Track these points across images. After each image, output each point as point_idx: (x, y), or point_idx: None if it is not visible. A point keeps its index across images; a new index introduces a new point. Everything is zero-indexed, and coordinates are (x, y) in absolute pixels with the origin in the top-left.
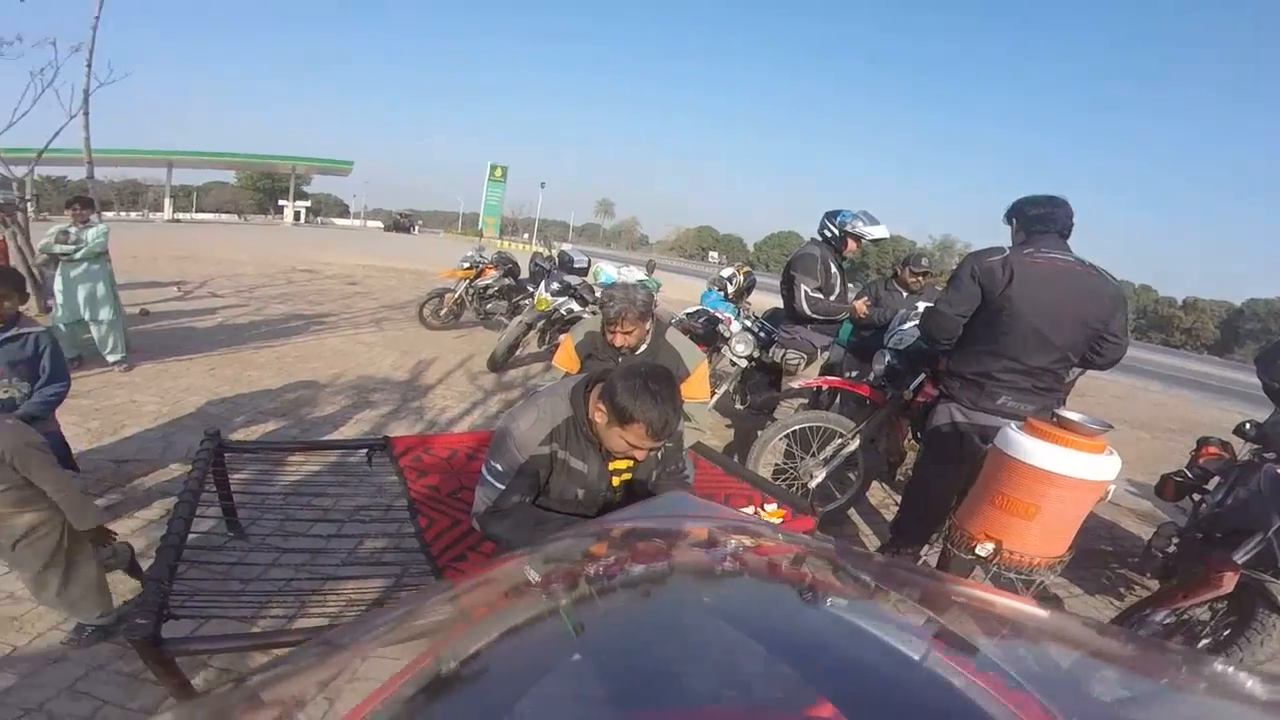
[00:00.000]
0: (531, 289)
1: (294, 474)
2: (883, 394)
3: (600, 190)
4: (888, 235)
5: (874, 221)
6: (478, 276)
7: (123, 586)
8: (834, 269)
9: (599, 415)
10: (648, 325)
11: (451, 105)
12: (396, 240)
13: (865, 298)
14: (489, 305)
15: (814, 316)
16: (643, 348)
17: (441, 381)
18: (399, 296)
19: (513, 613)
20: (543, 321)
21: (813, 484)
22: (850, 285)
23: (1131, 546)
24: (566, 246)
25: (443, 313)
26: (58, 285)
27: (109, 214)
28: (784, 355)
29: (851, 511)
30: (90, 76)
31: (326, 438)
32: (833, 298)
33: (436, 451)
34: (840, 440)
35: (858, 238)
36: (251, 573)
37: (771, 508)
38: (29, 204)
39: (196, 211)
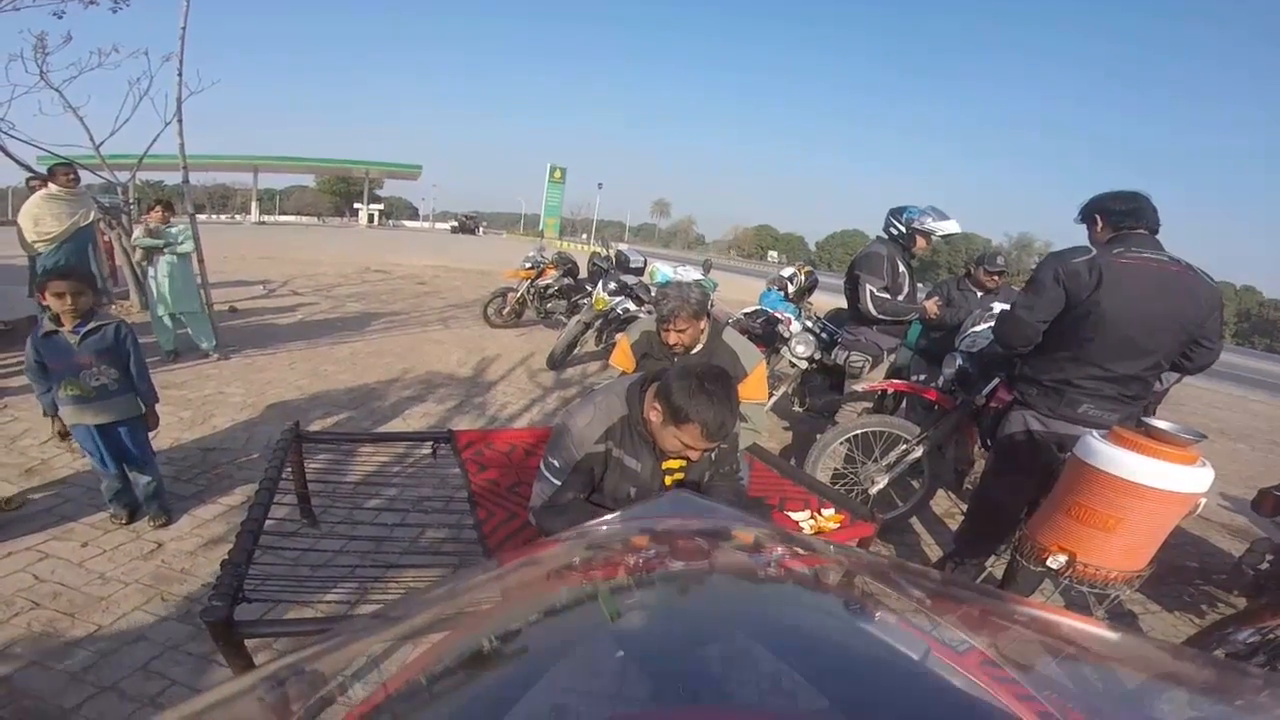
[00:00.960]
0: (590, 288)
1: (364, 464)
2: (952, 399)
3: (657, 190)
4: (958, 230)
5: (943, 216)
6: (538, 276)
7: (204, 570)
8: (902, 268)
9: (654, 414)
10: (703, 324)
11: (515, 110)
12: (462, 241)
13: (936, 298)
14: (549, 304)
15: (880, 317)
16: (698, 347)
17: (503, 378)
18: (465, 296)
19: (538, 602)
20: (600, 321)
21: (874, 490)
22: (920, 285)
23: (1219, 563)
24: (623, 246)
25: (505, 311)
26: (151, 283)
27: (201, 216)
28: (847, 357)
29: (914, 520)
30: (181, 85)
31: (395, 430)
32: (900, 298)
33: (497, 446)
34: (905, 446)
35: (927, 234)
36: (320, 559)
37: (829, 513)
38: (133, 207)
39: (280, 214)
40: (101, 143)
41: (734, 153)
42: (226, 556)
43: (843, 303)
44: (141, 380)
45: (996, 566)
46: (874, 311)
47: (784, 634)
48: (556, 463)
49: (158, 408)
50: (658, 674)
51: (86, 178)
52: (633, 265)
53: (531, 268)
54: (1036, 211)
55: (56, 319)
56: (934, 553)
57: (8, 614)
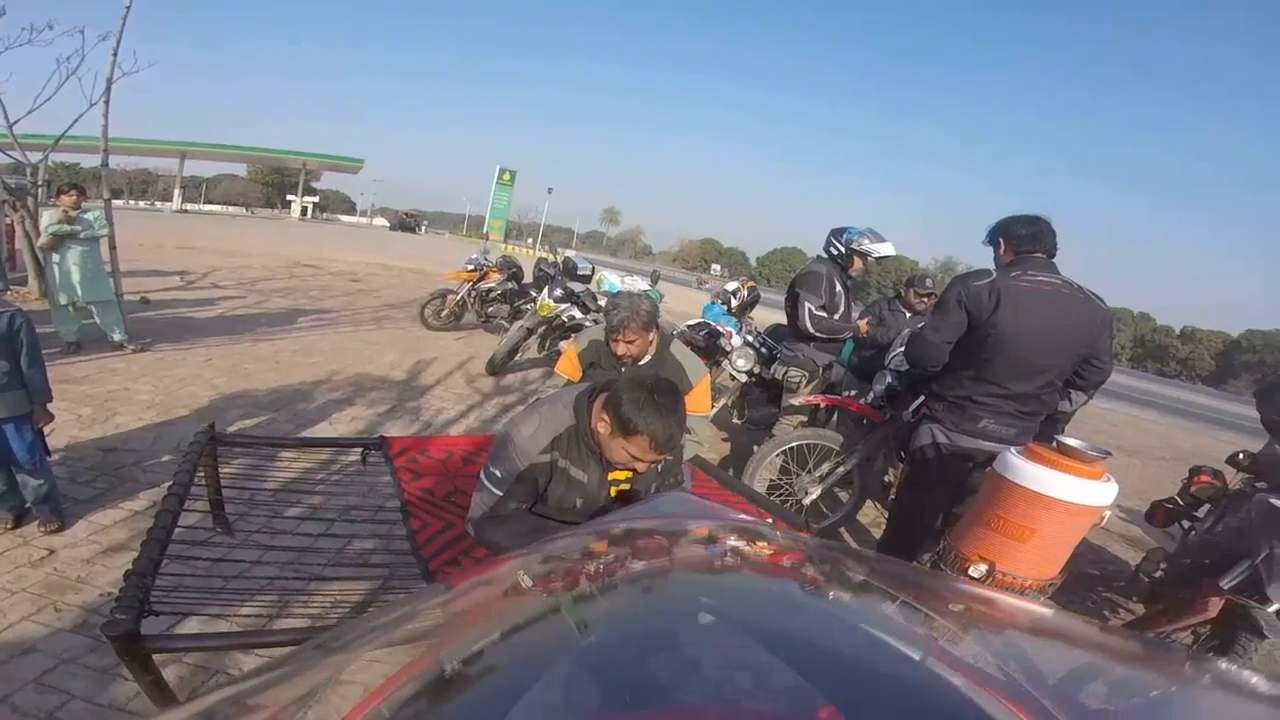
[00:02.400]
0: (534, 294)
1: (285, 470)
2: (881, 414)
3: (607, 198)
4: (894, 253)
5: (880, 239)
6: (481, 279)
7: (103, 579)
8: (839, 287)
9: (602, 425)
10: (652, 336)
11: (463, 109)
12: (401, 239)
13: (869, 317)
14: (491, 308)
15: (817, 335)
16: (646, 358)
17: (440, 383)
18: (401, 295)
19: (512, 612)
20: (544, 327)
21: (807, 500)
22: (854, 304)
23: (1118, 571)
24: (571, 253)
25: (444, 314)
26: (54, 269)
27: (117, 202)
28: (785, 372)
29: (842, 530)
30: (115, 65)
31: (321, 435)
32: (837, 316)
33: (433, 454)
34: (837, 458)
35: (864, 255)
36: (235, 569)
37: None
38: (40, 189)
39: (205, 203)
40: (16, 121)
41: (685, 165)
42: (130, 566)
43: (781, 318)
44: (35, 375)
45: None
46: (811, 329)
47: (751, 625)
48: (498, 472)
49: (51, 406)
50: (626, 679)
51: None
52: (580, 272)
53: (474, 270)
54: (961, 236)
55: None
56: None
57: None
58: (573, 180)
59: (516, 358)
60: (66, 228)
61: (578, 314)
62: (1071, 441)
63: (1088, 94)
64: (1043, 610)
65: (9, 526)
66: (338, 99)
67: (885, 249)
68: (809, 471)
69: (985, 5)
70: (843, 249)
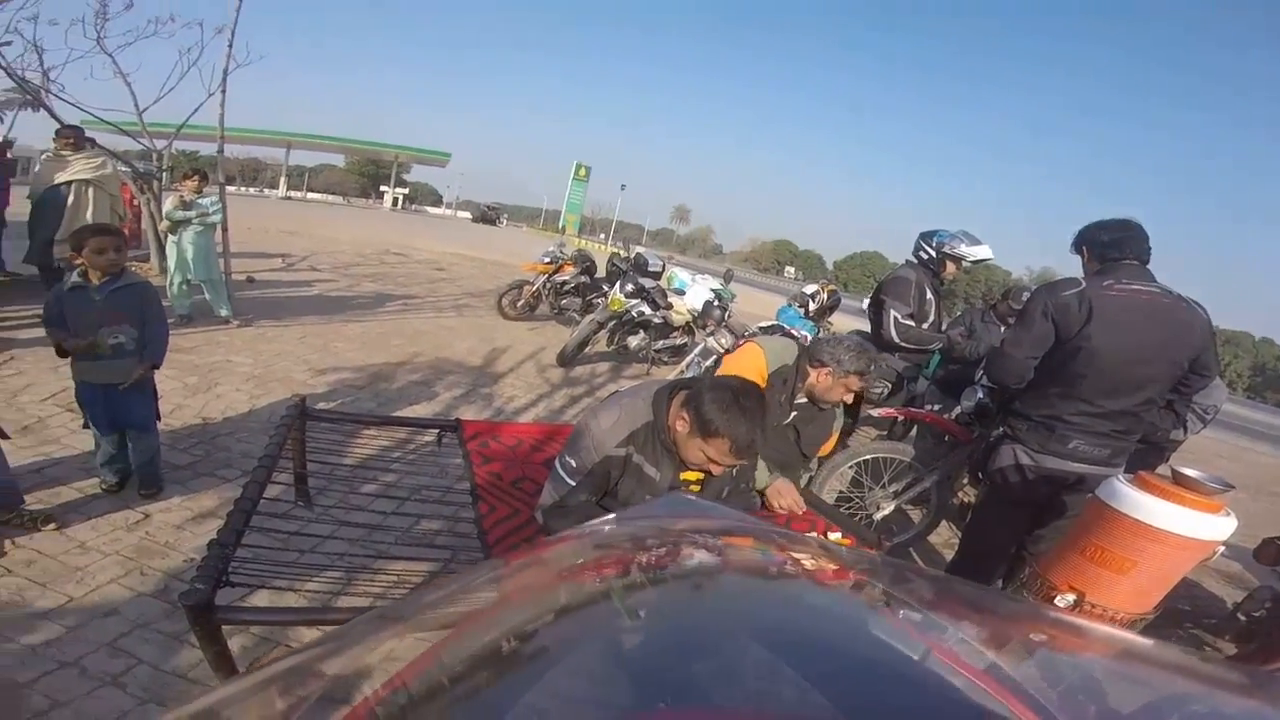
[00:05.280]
0: (606, 288)
1: (364, 447)
2: (969, 432)
3: (678, 196)
4: (991, 256)
5: (976, 241)
6: (556, 272)
7: (188, 546)
8: (929, 294)
9: (681, 424)
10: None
11: (543, 105)
12: (482, 231)
13: (960, 329)
14: (564, 301)
15: (903, 344)
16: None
17: (512, 371)
18: (480, 285)
19: (555, 599)
20: (614, 322)
21: (878, 515)
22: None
23: (1211, 608)
24: (642, 249)
25: (520, 304)
26: (173, 248)
27: (230, 188)
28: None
29: (911, 549)
30: (230, 58)
31: (399, 414)
32: (925, 325)
33: (503, 439)
34: (915, 475)
35: (957, 259)
36: (309, 543)
37: (835, 536)
38: (165, 174)
39: (308, 191)
40: (145, 109)
41: (758, 166)
42: (215, 536)
43: (860, 324)
44: (156, 341)
45: None
46: (897, 338)
47: (795, 635)
48: (573, 462)
49: (159, 374)
50: (666, 675)
51: (125, 143)
52: (651, 269)
53: (550, 262)
54: (1060, 247)
55: (85, 274)
56: None
57: None
58: (645, 178)
59: (586, 350)
60: (181, 213)
61: (647, 310)
62: (1190, 471)
63: (1215, 88)
64: (1136, 641)
65: (113, 489)
66: (429, 94)
67: (981, 252)
68: (882, 486)
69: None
70: (934, 253)
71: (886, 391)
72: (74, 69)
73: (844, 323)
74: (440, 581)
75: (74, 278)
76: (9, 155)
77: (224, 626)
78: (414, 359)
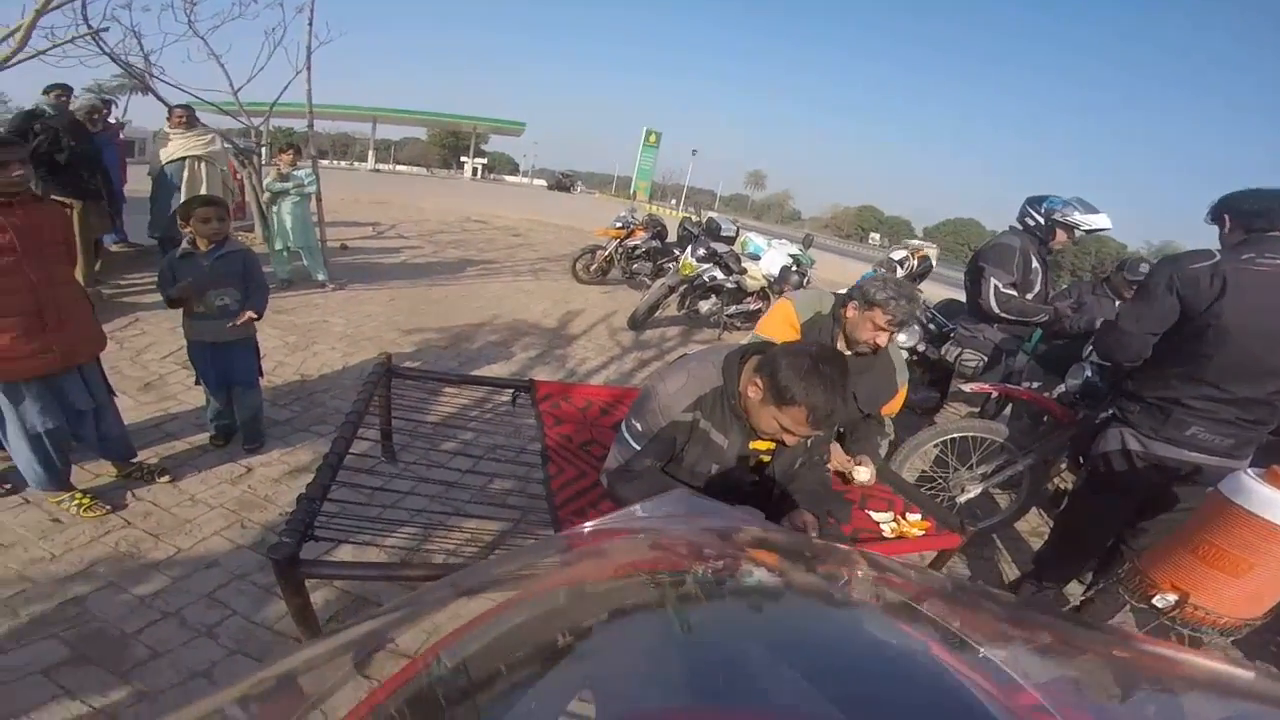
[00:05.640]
0: (677, 253)
1: (445, 405)
2: (1072, 413)
3: (752, 162)
4: (1108, 226)
5: (1092, 209)
6: (627, 236)
7: (285, 499)
8: (1035, 264)
9: (753, 390)
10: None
11: (614, 72)
12: (557, 198)
13: (1069, 301)
14: (635, 265)
15: (1003, 315)
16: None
17: (585, 333)
18: (556, 250)
19: (602, 600)
20: (685, 286)
21: (962, 498)
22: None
23: None
24: (715, 214)
25: (593, 268)
26: (273, 218)
27: (323, 162)
28: (959, 354)
29: (993, 535)
30: (311, 35)
31: (478, 374)
32: (1030, 297)
33: (574, 400)
34: (1007, 456)
35: (1070, 227)
36: (390, 499)
37: (914, 518)
38: (263, 150)
39: (394, 163)
40: (239, 89)
41: (838, 132)
42: (304, 490)
43: (952, 294)
44: (258, 299)
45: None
46: (996, 309)
47: (843, 657)
48: (639, 426)
49: (262, 335)
50: (710, 685)
51: (225, 122)
52: (724, 233)
53: (621, 227)
54: (1183, 220)
55: (193, 242)
56: (1011, 572)
57: (101, 531)
58: (717, 143)
59: (656, 314)
60: (280, 185)
61: (719, 275)
62: None
63: None
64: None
65: (221, 444)
66: (503, 62)
67: (1098, 221)
68: (969, 467)
69: None
70: (1042, 219)
71: (981, 366)
72: (172, 53)
73: (936, 292)
74: (509, 546)
75: (184, 245)
76: (122, 136)
77: (309, 581)
78: (493, 321)
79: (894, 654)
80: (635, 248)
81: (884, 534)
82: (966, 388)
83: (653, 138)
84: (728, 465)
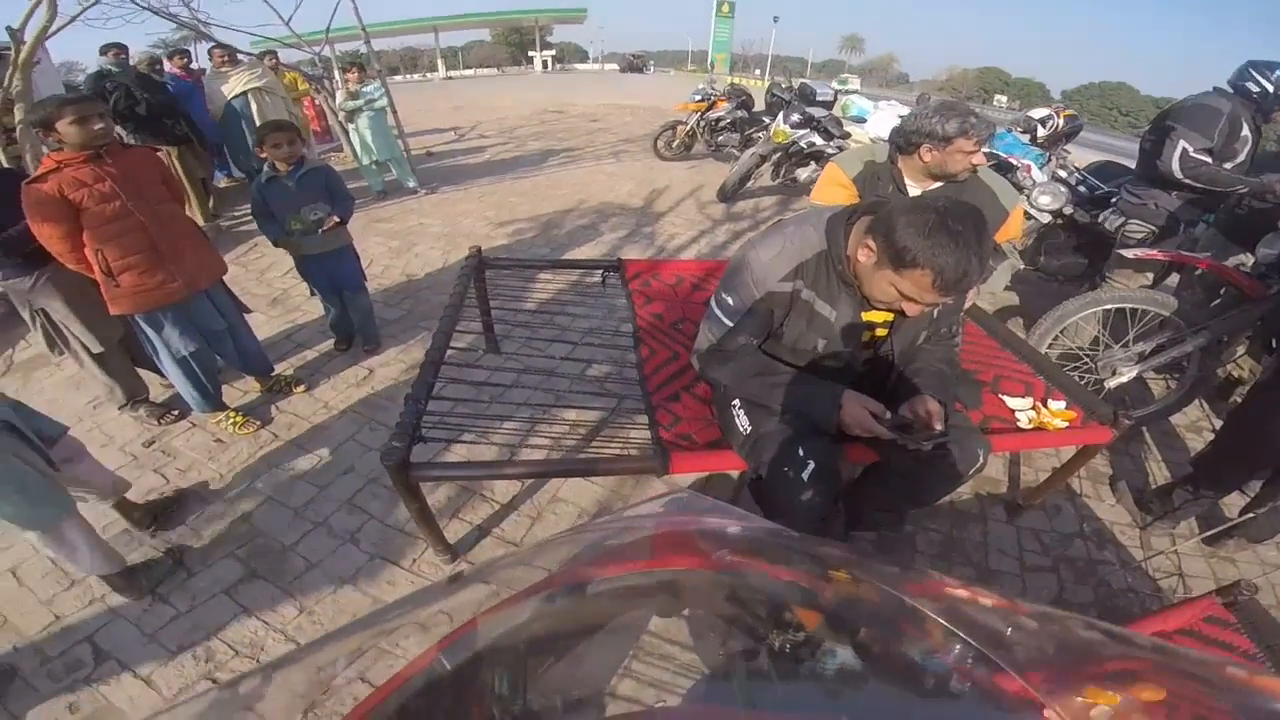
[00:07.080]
0: (767, 121)
1: (540, 292)
2: (1264, 286)
3: (843, 27)
4: None
5: None
6: (709, 109)
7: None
8: (1246, 132)
9: (865, 254)
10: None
11: None
12: (632, 80)
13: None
14: (720, 137)
15: (1188, 182)
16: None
17: (672, 210)
18: (635, 131)
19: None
20: (779, 154)
21: (1112, 383)
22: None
23: None
24: (808, 80)
25: (675, 144)
26: (355, 135)
27: (397, 77)
28: (1123, 224)
29: (1145, 430)
30: None
31: (568, 257)
32: (1229, 167)
33: (664, 278)
34: (1173, 334)
35: None
36: (493, 393)
37: (1058, 405)
38: (334, 75)
39: (464, 69)
40: (288, 19)
41: None
42: (410, 391)
43: (1100, 157)
44: (344, 208)
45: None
46: (1179, 174)
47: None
48: (730, 300)
49: (365, 245)
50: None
51: (291, 55)
52: (819, 98)
53: (702, 100)
54: None
55: (274, 167)
56: (1161, 473)
57: (256, 446)
58: (801, 9)
59: (749, 185)
60: (351, 103)
61: (818, 140)
62: None
63: None
64: None
65: (344, 349)
66: None
67: None
68: (1124, 345)
69: None
70: (1269, 87)
71: (1150, 239)
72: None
73: (1084, 157)
74: (608, 433)
75: (265, 170)
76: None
77: (422, 484)
78: (580, 205)
79: None
80: (719, 119)
81: (1020, 424)
82: (1129, 254)
83: (725, 7)
84: (836, 341)
